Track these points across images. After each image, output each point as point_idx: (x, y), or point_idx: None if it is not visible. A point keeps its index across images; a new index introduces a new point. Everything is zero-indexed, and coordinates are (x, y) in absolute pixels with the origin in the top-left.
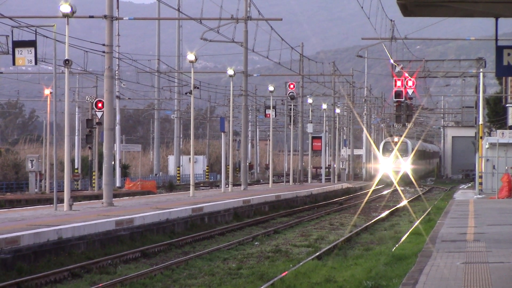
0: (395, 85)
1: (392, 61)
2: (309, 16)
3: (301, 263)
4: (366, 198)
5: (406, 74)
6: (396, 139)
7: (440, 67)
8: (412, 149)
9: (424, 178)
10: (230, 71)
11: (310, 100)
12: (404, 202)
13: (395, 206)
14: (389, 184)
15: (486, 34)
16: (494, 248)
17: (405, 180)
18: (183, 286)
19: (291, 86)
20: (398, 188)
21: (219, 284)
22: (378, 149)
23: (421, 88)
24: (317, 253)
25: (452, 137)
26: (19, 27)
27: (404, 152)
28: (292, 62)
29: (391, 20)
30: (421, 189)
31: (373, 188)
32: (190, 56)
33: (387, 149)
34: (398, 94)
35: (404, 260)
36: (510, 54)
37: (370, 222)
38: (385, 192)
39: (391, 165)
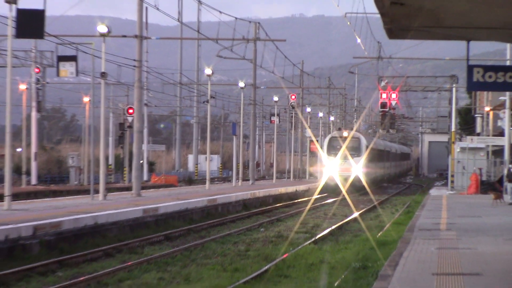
0: (381, 97)
1: (379, 77)
2: (309, 38)
3: (299, 247)
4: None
5: (390, 88)
6: (345, 133)
7: (419, 82)
8: (367, 147)
9: (383, 183)
10: (241, 84)
11: (308, 109)
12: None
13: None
14: (335, 191)
15: (458, 55)
16: (463, 236)
17: (356, 186)
18: (200, 265)
19: (293, 97)
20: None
21: (230, 264)
22: (322, 147)
23: (403, 100)
24: (313, 239)
25: (429, 141)
26: (62, 44)
27: (355, 150)
28: (293, 77)
29: (378, 42)
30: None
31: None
32: (208, 71)
33: (333, 147)
34: (383, 105)
35: (387, 245)
36: (479, 72)
37: (360, 212)
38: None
39: (338, 167)
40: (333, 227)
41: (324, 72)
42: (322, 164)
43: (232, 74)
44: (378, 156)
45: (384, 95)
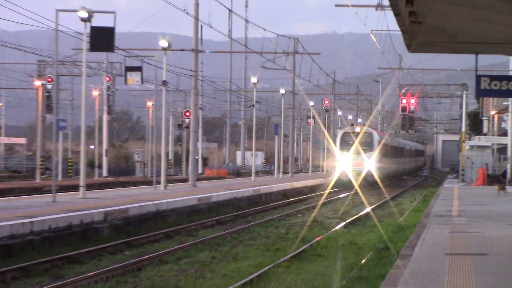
0: (402, 102)
1: (400, 85)
2: (340, 51)
3: (331, 230)
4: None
5: (410, 95)
6: (357, 129)
7: (434, 90)
8: (379, 142)
9: (397, 178)
10: (282, 91)
11: (339, 113)
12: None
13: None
14: (347, 185)
15: (468, 66)
16: (472, 222)
17: (368, 181)
18: (246, 246)
19: (326, 102)
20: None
21: (272, 244)
22: (335, 142)
23: (420, 104)
24: (343, 223)
25: (442, 140)
26: (129, 56)
27: (367, 146)
28: (327, 85)
29: (399, 55)
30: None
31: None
32: (253, 80)
33: (346, 142)
34: (403, 109)
35: (406, 229)
36: (486, 81)
37: (381, 202)
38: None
39: (351, 162)
40: (360, 213)
41: (353, 81)
42: (335, 159)
43: (274, 83)
44: (391, 151)
45: (404, 101)
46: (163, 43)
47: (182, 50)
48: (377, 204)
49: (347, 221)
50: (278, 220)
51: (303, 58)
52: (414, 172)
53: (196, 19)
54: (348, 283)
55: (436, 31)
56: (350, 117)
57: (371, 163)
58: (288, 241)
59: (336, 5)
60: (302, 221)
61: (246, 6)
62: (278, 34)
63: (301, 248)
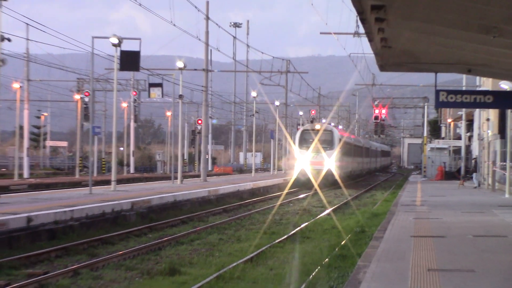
0: (374, 112)
1: (373, 98)
2: (324, 70)
3: (317, 217)
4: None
5: (381, 106)
6: (317, 126)
7: (401, 102)
8: (340, 141)
9: (361, 177)
10: (277, 103)
11: (324, 120)
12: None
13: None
14: (306, 184)
15: (429, 82)
16: (432, 210)
17: (328, 180)
18: (248, 229)
19: (313, 112)
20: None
21: (269, 228)
22: (294, 140)
23: (390, 114)
24: (327, 211)
25: (408, 143)
26: (152, 75)
27: (328, 144)
28: (313, 98)
29: (372, 73)
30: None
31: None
32: (253, 93)
33: (305, 140)
34: (376, 118)
35: (378, 216)
36: (443, 94)
37: (359, 193)
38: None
39: (310, 160)
40: (340, 203)
41: (335, 94)
42: (294, 158)
43: (270, 96)
44: (354, 150)
45: (376, 111)
46: (180, 64)
47: (195, 69)
48: (336, 206)
49: (330, 209)
50: (273, 209)
51: (294, 76)
52: (381, 171)
53: (207, 44)
54: (331, 260)
55: (403, 54)
56: (332, 124)
57: (331, 162)
58: (281, 226)
59: (321, 33)
60: (294, 210)
61: (247, 34)
62: (273, 57)
63: (292, 231)
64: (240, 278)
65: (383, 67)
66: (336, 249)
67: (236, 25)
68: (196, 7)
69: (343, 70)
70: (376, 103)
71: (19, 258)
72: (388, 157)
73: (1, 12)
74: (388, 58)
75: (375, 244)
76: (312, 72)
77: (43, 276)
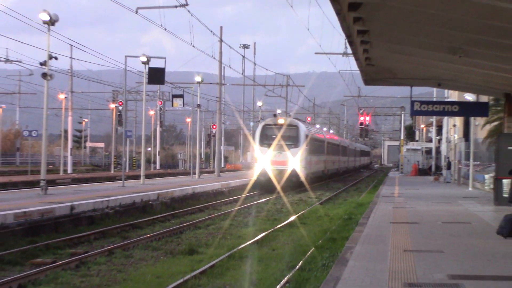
0: (360, 119)
1: (358, 107)
2: (318, 84)
3: (311, 206)
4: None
5: (365, 114)
6: (280, 120)
7: (382, 111)
8: (307, 137)
9: (333, 177)
10: (278, 111)
11: (317, 126)
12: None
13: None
14: (267, 186)
15: (406, 94)
16: (408, 201)
17: (292, 182)
18: (254, 216)
19: (309, 119)
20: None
21: (272, 215)
22: (254, 137)
23: (373, 121)
24: (320, 201)
25: (388, 145)
26: (175, 87)
27: (292, 141)
28: (309, 107)
29: (358, 87)
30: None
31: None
32: (259, 103)
33: (267, 136)
34: (361, 124)
35: (363, 205)
36: (417, 104)
37: (346, 187)
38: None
39: (272, 159)
40: (331, 195)
41: (327, 104)
42: (255, 156)
43: (273, 105)
44: (327, 148)
45: (361, 118)
46: (198, 79)
47: (211, 83)
48: (344, 188)
49: (322, 200)
50: (275, 200)
51: (293, 89)
52: (360, 169)
53: (220, 62)
54: (323, 242)
55: (383, 71)
56: (325, 129)
57: (295, 161)
58: (282, 214)
59: (316, 53)
60: (292, 200)
61: (254, 53)
62: (276, 73)
63: (291, 219)
64: (248, 257)
65: (367, 81)
66: (328, 233)
67: (245, 46)
68: (211, 31)
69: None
70: (361, 111)
71: (64, 240)
72: (368, 156)
73: (50, 35)
74: (371, 74)
75: (360, 229)
76: (308, 85)
77: (83, 255)
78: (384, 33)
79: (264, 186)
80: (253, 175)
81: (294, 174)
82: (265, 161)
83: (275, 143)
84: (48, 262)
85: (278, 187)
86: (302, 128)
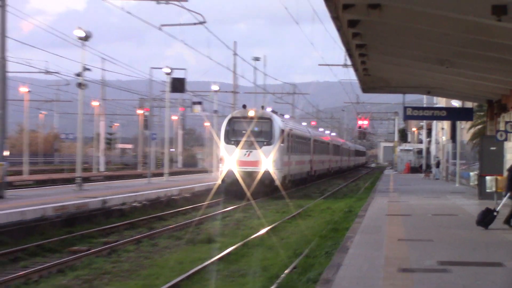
0: (358, 123)
1: (357, 112)
2: (321, 92)
3: (315, 200)
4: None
5: (364, 118)
6: (251, 113)
7: (378, 115)
8: (282, 132)
9: (323, 178)
10: (287, 116)
11: (321, 129)
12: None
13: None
14: (236, 191)
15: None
16: (402, 195)
17: (265, 185)
18: (265, 210)
19: (313, 123)
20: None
21: (281, 209)
22: (219, 133)
23: (370, 124)
24: (323, 196)
25: (383, 146)
26: (195, 95)
27: (265, 137)
28: (313, 112)
29: (356, 94)
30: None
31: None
32: (268, 109)
33: (234, 132)
34: (359, 127)
35: (362, 200)
36: (409, 110)
37: (347, 183)
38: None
39: (239, 159)
40: (334, 190)
41: (329, 110)
42: (220, 155)
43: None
44: (314, 147)
45: (360, 122)
46: (215, 87)
47: (226, 91)
48: (344, 184)
49: (325, 195)
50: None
51: (299, 96)
52: (355, 168)
53: (234, 73)
54: (326, 232)
55: (379, 80)
56: (327, 132)
57: (268, 161)
58: (290, 207)
59: (319, 64)
60: (299, 195)
61: (265, 66)
62: (284, 82)
63: (298, 211)
64: (259, 245)
65: (364, 89)
66: (330, 225)
67: (256, 58)
68: (227, 46)
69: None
70: (359, 116)
71: (97, 230)
72: (363, 156)
73: (84, 49)
74: (368, 83)
75: (359, 220)
76: (312, 93)
77: (114, 244)
78: (379, 47)
79: (231, 191)
80: (218, 178)
81: (267, 177)
82: (232, 161)
83: (244, 139)
84: (83, 250)
85: (248, 193)
86: (277, 122)
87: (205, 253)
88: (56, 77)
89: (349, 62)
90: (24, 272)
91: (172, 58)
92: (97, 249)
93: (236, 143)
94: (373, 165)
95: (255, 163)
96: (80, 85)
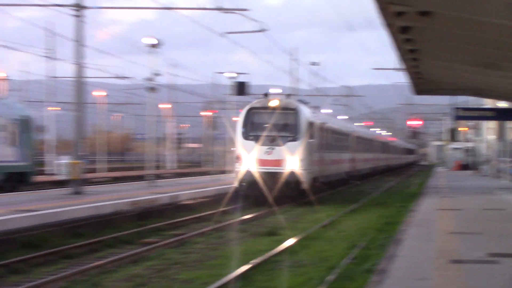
0: (411, 123)
1: (410, 113)
2: (376, 94)
3: (356, 205)
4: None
5: (417, 119)
6: (273, 102)
7: (430, 116)
8: (311, 125)
9: (366, 178)
10: (345, 117)
11: (375, 129)
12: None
13: None
14: (254, 196)
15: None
16: (452, 191)
17: (291, 189)
18: (323, 205)
19: (367, 123)
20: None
21: (339, 203)
22: (236, 127)
23: (424, 124)
24: (356, 205)
25: (434, 145)
26: (257, 98)
27: (290, 130)
28: (368, 113)
29: (409, 96)
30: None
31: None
32: (326, 111)
33: (254, 126)
34: (412, 127)
35: (414, 196)
36: (460, 111)
37: (397, 181)
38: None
39: (259, 158)
40: (390, 185)
41: (384, 110)
42: (237, 153)
43: (338, 113)
44: (357, 144)
45: (412, 122)
46: (275, 90)
47: (286, 94)
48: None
49: (385, 188)
50: (346, 189)
51: (354, 99)
52: (404, 167)
53: (294, 77)
54: (381, 225)
55: (431, 83)
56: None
57: (294, 160)
58: (347, 202)
59: (373, 68)
60: (357, 190)
61: (322, 70)
62: (340, 85)
63: (351, 208)
64: (318, 238)
65: (417, 92)
66: (386, 218)
67: (314, 63)
68: (286, 52)
69: (388, 94)
70: (412, 117)
71: (167, 224)
72: (413, 154)
73: (154, 56)
74: (420, 86)
75: (412, 214)
76: (368, 95)
77: (183, 236)
78: (430, 52)
79: (249, 195)
80: (235, 180)
81: (292, 179)
82: (251, 160)
83: (265, 134)
84: (155, 242)
85: (269, 197)
86: (304, 113)
87: (267, 244)
88: (128, 81)
89: (401, 66)
90: (102, 262)
91: (236, 63)
92: (168, 241)
93: (256, 139)
94: (424, 163)
95: (278, 163)
96: (151, 89)
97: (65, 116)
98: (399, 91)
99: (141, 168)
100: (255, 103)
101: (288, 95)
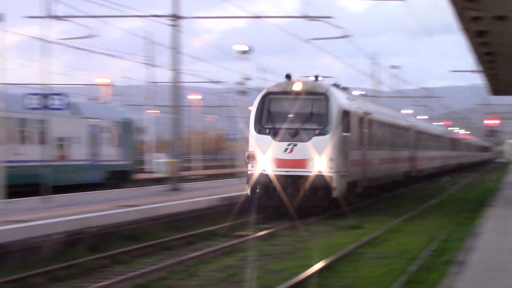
0: (488, 122)
1: (487, 113)
2: (454, 95)
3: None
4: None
5: (494, 118)
6: (296, 85)
7: (507, 115)
8: (347, 115)
9: (418, 182)
10: (424, 117)
11: (453, 129)
12: None
13: None
14: (270, 204)
15: None
16: None
17: (319, 196)
18: (405, 200)
19: (446, 122)
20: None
21: (418, 198)
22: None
23: (501, 124)
24: (459, 188)
25: (510, 142)
26: None
27: (317, 121)
28: (447, 113)
29: (486, 96)
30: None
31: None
32: (406, 111)
33: (271, 116)
34: (488, 126)
35: (491, 190)
36: None
37: (470, 179)
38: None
39: (278, 156)
40: (469, 181)
41: (462, 111)
42: (250, 150)
43: (417, 114)
44: (418, 140)
45: (489, 121)
46: (357, 93)
47: (368, 96)
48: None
49: (464, 184)
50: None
51: (433, 99)
52: (480, 164)
53: (375, 79)
54: (459, 219)
55: (506, 84)
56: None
57: (322, 160)
58: (424, 197)
59: (451, 71)
60: (422, 193)
61: (403, 73)
62: (420, 87)
63: (410, 214)
64: (400, 231)
65: (493, 92)
66: (462, 209)
67: (395, 67)
68: (368, 56)
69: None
70: (488, 116)
71: (257, 218)
72: (488, 152)
73: (246, 62)
74: (497, 87)
75: (489, 209)
76: (446, 96)
77: (274, 229)
78: (505, 54)
79: (263, 202)
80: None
81: (320, 184)
82: (266, 160)
83: (284, 127)
84: (247, 234)
85: (291, 208)
86: (337, 99)
87: (351, 237)
88: (220, 85)
89: (478, 68)
90: (198, 253)
91: (321, 67)
92: (259, 234)
93: (273, 133)
94: (500, 160)
95: (301, 163)
96: (241, 92)
97: (163, 118)
98: (476, 92)
99: (233, 166)
100: (273, 87)
101: (316, 78)
